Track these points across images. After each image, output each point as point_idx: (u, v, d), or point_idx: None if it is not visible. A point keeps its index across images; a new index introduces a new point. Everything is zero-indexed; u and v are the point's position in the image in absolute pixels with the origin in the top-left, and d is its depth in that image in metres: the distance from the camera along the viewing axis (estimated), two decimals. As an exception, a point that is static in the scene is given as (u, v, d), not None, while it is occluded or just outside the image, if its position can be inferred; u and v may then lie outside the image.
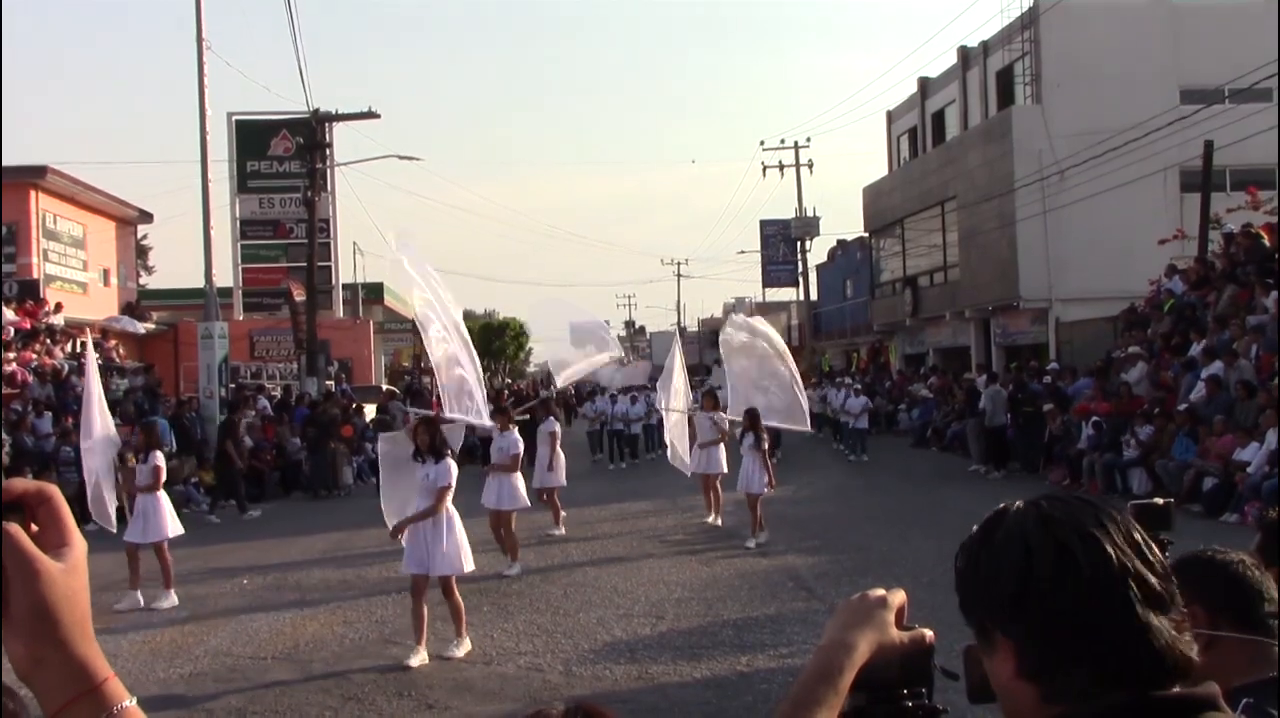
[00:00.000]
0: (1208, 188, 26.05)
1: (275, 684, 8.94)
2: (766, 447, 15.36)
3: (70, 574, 1.19)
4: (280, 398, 29.41)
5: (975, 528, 1.54)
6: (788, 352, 17.45)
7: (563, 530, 16.38)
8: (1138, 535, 1.44)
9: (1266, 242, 21.47)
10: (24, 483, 1.20)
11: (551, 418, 17.86)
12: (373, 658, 9.70)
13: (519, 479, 13.79)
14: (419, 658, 9.28)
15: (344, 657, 9.80)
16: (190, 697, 8.60)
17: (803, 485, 22.29)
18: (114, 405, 24.72)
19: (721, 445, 16.44)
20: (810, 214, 52.40)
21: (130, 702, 1.20)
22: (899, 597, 1.60)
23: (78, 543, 1.21)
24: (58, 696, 1.17)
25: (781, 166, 52.23)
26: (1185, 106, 27.47)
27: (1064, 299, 31.19)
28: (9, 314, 26.24)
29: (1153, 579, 1.40)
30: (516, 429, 14.15)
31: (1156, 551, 1.45)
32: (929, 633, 1.59)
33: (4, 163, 29.77)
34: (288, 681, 9.05)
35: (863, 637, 1.54)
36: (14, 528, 1.16)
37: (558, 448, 17.03)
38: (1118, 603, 1.38)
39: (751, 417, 15.29)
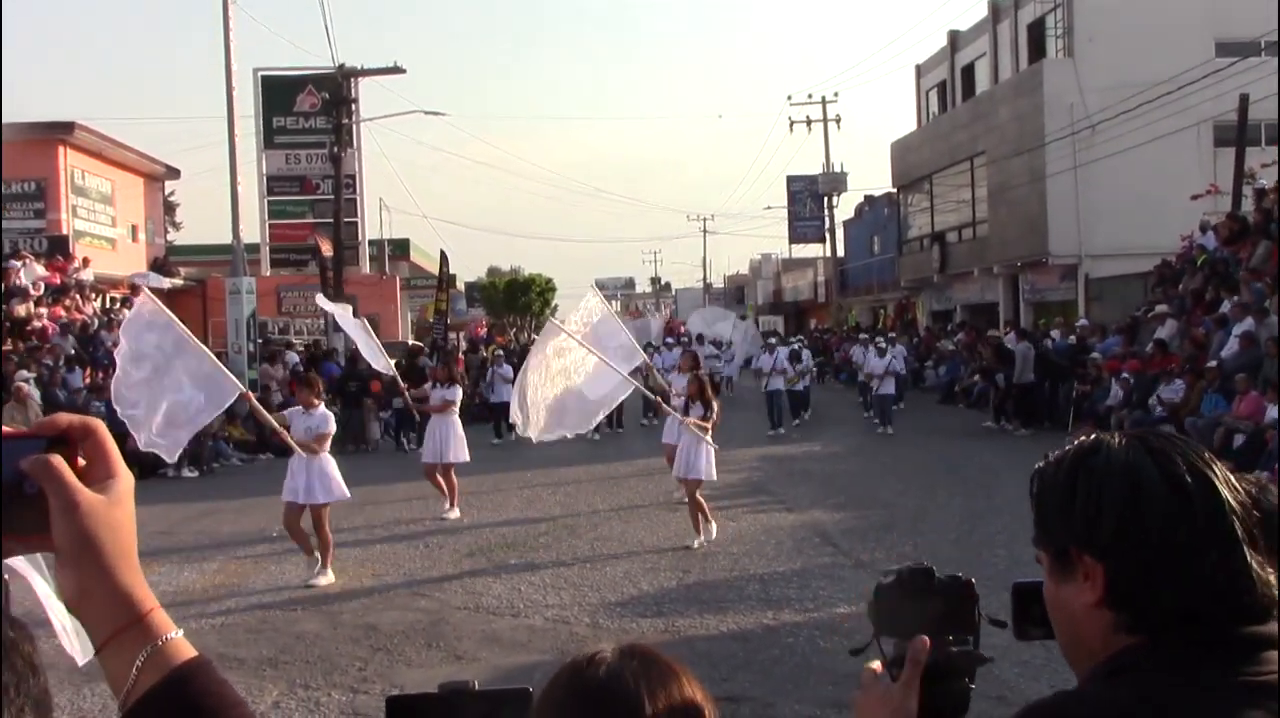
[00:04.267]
0: (1242, 142, 25.69)
1: (305, 635, 9.04)
2: (715, 420, 12.51)
3: (114, 506, 1.20)
4: (308, 353, 29.57)
5: (1059, 456, 1.51)
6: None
7: (457, 513, 14.43)
8: (1230, 474, 1.44)
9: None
10: (68, 417, 1.22)
11: (456, 386, 15.36)
12: (401, 609, 9.80)
13: (330, 465, 11.12)
14: None
15: (373, 608, 9.90)
16: (221, 647, 8.70)
17: (829, 442, 22.31)
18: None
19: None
20: (838, 169, 52.13)
21: (176, 633, 1.21)
22: (918, 665, 1.54)
23: (123, 475, 1.23)
24: (104, 626, 1.19)
25: (809, 121, 51.94)
26: (1220, 59, 27.04)
27: (1094, 255, 30.94)
28: (39, 269, 26.42)
29: (1251, 522, 1.40)
30: (323, 404, 11.58)
31: (1241, 485, 1.44)
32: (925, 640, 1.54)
33: (33, 119, 30.02)
34: (318, 632, 9.15)
35: None
36: (56, 459, 1.17)
37: (456, 419, 14.90)
38: (1225, 540, 1.38)
39: (699, 383, 12.87)
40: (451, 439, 14.64)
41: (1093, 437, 1.50)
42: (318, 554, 11.09)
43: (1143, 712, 1.35)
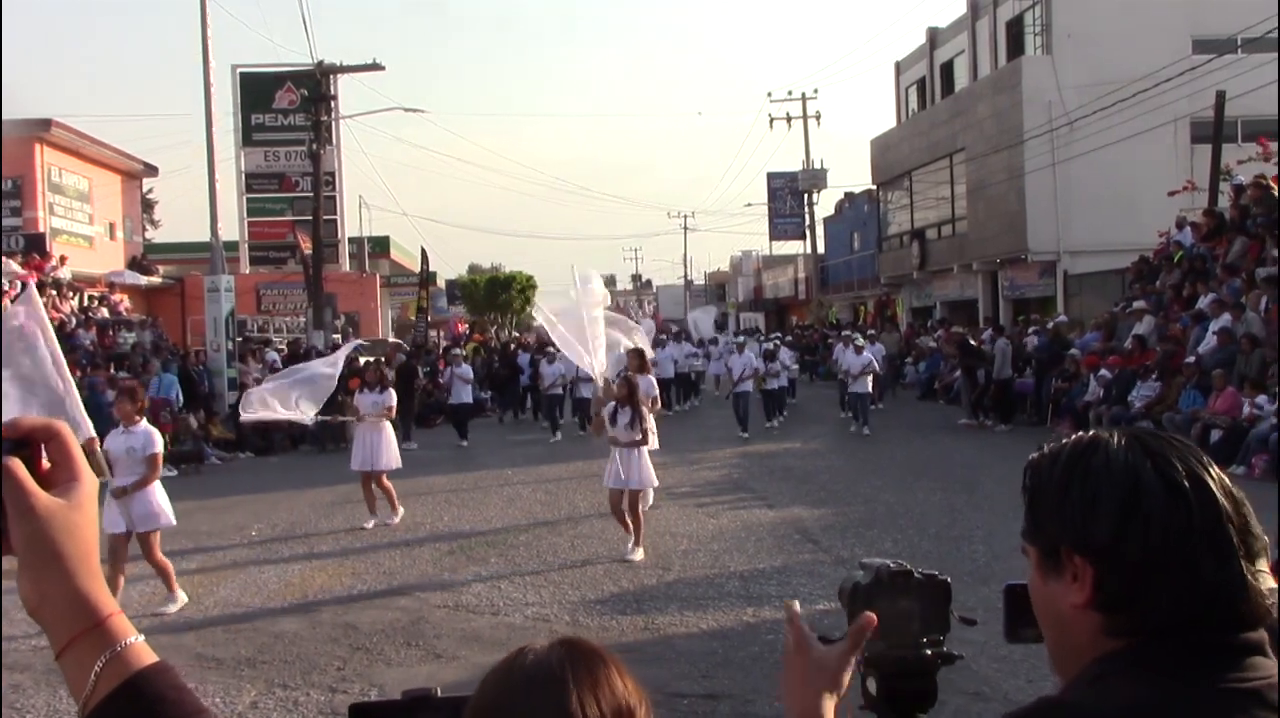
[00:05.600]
0: (1219, 139, 25.84)
1: (284, 635, 9.00)
2: (650, 425, 11.79)
3: (73, 510, 1.19)
4: (288, 352, 29.48)
5: (1055, 450, 1.47)
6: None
7: (397, 518, 13.87)
8: (1226, 482, 1.40)
9: (1277, 193, 21.33)
10: (32, 420, 1.21)
11: (389, 389, 14.65)
12: (380, 608, 9.76)
13: (156, 494, 9.73)
14: None
15: (352, 607, 9.86)
16: (200, 647, 8.66)
17: (809, 438, 22.35)
18: (121, 359, 24.95)
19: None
20: (818, 166, 52.19)
21: (135, 638, 1.19)
22: (861, 635, 1.57)
23: (86, 479, 1.22)
24: (63, 632, 1.18)
25: (789, 118, 51.95)
26: (1197, 56, 27.19)
27: (1072, 252, 31.08)
28: (15, 267, 26.25)
29: (1246, 530, 1.37)
30: (146, 420, 9.95)
31: (1243, 500, 1.41)
32: (871, 617, 1.56)
33: (8, 117, 29.77)
34: (297, 631, 9.10)
35: (828, 700, 1.54)
36: (14, 462, 1.16)
37: (387, 425, 14.24)
38: (1222, 549, 1.35)
39: (628, 385, 11.78)
40: (383, 446, 14.00)
41: (1090, 433, 1.46)
42: (176, 590, 10.02)
43: None
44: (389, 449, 14.05)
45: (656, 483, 12.08)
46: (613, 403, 11.81)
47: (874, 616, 1.53)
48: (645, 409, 11.74)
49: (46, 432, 1.21)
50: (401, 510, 14.05)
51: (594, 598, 9.90)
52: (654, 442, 11.97)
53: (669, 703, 6.98)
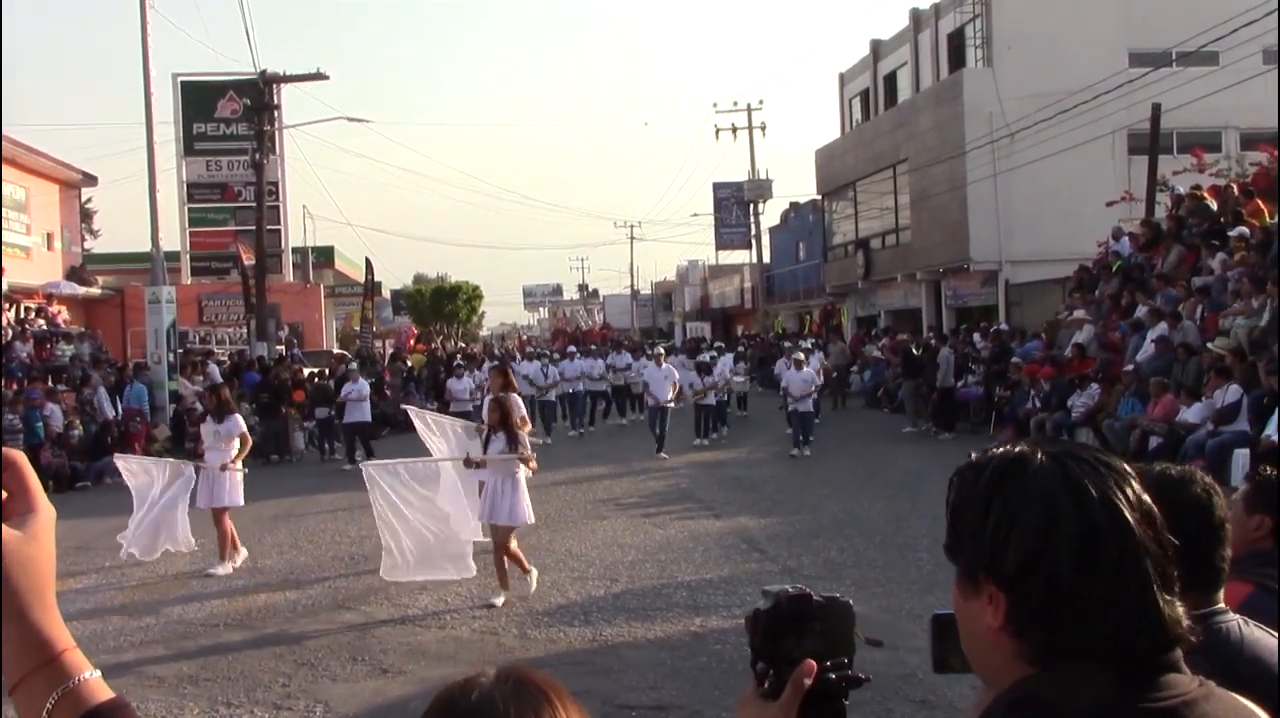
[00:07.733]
0: (1155, 150, 26.29)
1: (228, 651, 8.89)
2: (527, 452, 10.60)
3: (28, 542, 1.16)
4: (231, 363, 29.16)
5: (979, 465, 1.47)
6: None
7: (230, 568, 11.96)
8: (1149, 508, 1.40)
9: (1212, 204, 21.75)
10: None
11: (234, 415, 12.92)
12: (325, 623, 9.67)
13: None
14: None
15: (296, 622, 9.76)
16: (142, 665, 8.53)
17: (755, 447, 22.42)
18: (59, 372, 24.56)
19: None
20: (763, 177, 52.52)
21: (91, 674, 1.17)
22: (800, 689, 1.51)
23: (43, 510, 1.19)
24: (16, 667, 1.16)
25: (734, 129, 52.28)
26: (1134, 69, 27.67)
27: (1014, 261, 31.46)
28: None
29: (1165, 559, 1.38)
30: None
31: (1162, 521, 1.40)
32: (811, 663, 1.52)
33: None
34: (240, 647, 9.00)
35: None
36: None
37: (233, 452, 12.53)
38: (1135, 586, 1.36)
39: (501, 406, 10.65)
40: (226, 480, 12.35)
41: (1016, 449, 1.45)
42: None
43: None
44: (233, 485, 12.43)
45: (531, 519, 10.73)
46: (485, 430, 10.86)
47: (814, 663, 1.52)
48: (522, 434, 10.64)
49: (2, 462, 1.18)
50: (230, 567, 12.03)
51: (541, 610, 9.86)
52: (529, 469, 10.81)
53: (617, 715, 6.98)
